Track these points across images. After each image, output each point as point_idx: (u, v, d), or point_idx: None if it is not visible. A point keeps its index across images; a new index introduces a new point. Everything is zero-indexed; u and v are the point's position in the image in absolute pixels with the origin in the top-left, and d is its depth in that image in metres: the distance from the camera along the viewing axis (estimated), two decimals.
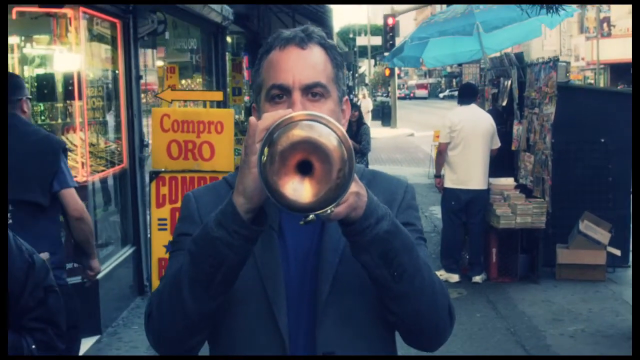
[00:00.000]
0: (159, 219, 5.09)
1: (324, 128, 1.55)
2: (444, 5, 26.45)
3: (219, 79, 13.33)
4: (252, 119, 1.68)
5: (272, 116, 1.62)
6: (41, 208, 4.27)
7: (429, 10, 57.35)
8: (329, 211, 1.58)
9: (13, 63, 6.70)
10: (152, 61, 9.88)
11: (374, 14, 73.56)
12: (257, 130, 1.60)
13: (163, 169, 5.16)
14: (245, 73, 16.99)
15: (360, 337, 1.88)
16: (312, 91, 1.83)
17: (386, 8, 37.17)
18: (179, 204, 5.10)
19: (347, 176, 1.55)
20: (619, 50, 43.85)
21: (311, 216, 1.59)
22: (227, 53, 14.32)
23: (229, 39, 14.74)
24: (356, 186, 1.63)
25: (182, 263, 1.75)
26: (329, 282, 1.85)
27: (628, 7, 48.16)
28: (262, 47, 1.94)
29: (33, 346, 2.72)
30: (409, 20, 77.52)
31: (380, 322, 1.88)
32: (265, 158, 1.54)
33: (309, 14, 15.95)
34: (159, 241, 5.11)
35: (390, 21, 29.90)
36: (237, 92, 15.49)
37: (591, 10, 51.93)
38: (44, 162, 4.27)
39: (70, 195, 4.34)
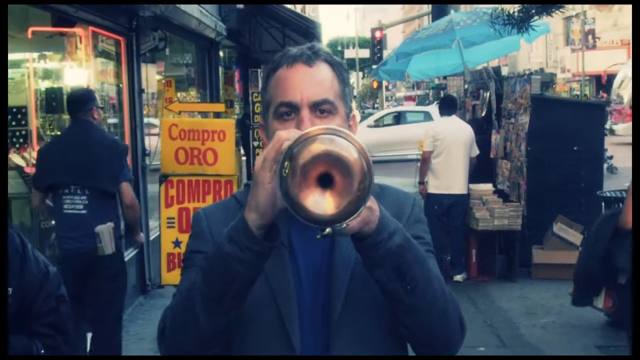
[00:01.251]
0: (168, 218, 5.68)
1: (343, 141, 1.57)
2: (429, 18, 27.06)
3: (213, 91, 13.80)
4: (270, 141, 1.70)
5: (285, 133, 1.66)
6: (110, 194, 5.52)
7: (416, 23, 58.01)
8: (344, 225, 1.60)
9: (29, 77, 7.28)
10: (151, 75, 10.44)
11: (362, 27, 74.32)
12: (271, 148, 1.63)
13: (171, 173, 5.75)
14: (237, 86, 17.51)
15: (374, 351, 1.89)
16: (320, 108, 1.86)
17: (374, 21, 37.75)
18: (185, 204, 5.71)
19: (367, 188, 1.57)
20: (604, 61, 44.69)
21: (328, 230, 1.61)
22: (220, 67, 14.86)
23: (221, 53, 15.27)
24: (369, 201, 1.64)
25: (194, 279, 1.77)
26: (342, 299, 1.86)
27: (613, 20, 49.07)
28: (269, 64, 1.97)
29: (42, 351, 2.90)
30: (396, 33, 78.22)
31: (392, 335, 1.89)
32: (286, 172, 1.55)
33: (298, 28, 16.42)
34: (168, 238, 5.69)
35: (377, 34, 30.42)
36: (229, 105, 15.98)
37: (576, 22, 52.77)
38: (113, 160, 5.52)
39: (127, 187, 5.57)
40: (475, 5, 11.41)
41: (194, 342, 1.79)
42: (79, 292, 5.31)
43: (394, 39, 48.67)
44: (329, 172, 1.55)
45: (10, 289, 2.78)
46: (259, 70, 19.38)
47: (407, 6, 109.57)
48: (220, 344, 1.83)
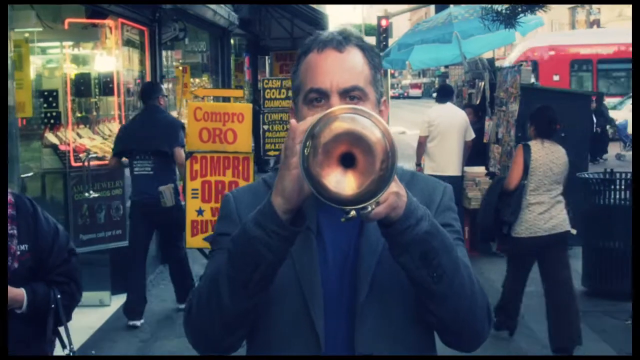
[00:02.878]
0: (192, 189, 6.47)
1: (366, 120, 1.55)
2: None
3: (224, 78, 14.58)
4: (293, 121, 1.68)
5: (312, 119, 1.63)
6: (168, 158, 7.17)
7: (423, 11, 58.51)
8: (369, 208, 1.57)
9: (60, 64, 8.06)
10: (170, 62, 11.22)
11: (369, 14, 74.62)
12: (297, 132, 1.61)
13: (196, 150, 6.53)
14: (246, 72, 18.22)
15: (399, 339, 1.87)
16: (350, 95, 1.84)
17: (380, 9, 38.27)
18: (208, 177, 6.49)
19: (390, 169, 1.54)
20: None
21: (352, 213, 1.58)
22: (231, 54, 15.61)
23: (231, 41, 16.01)
24: (396, 186, 1.63)
25: (220, 262, 1.77)
26: (368, 284, 1.83)
27: (618, 10, 49.58)
28: (300, 48, 1.94)
29: (59, 295, 3.28)
30: (403, 21, 78.77)
31: (418, 323, 1.86)
32: (308, 151, 1.53)
33: (307, 18, 17.12)
34: (192, 207, 6.48)
35: (383, 23, 31.03)
36: None
37: (581, 12, 53.26)
38: (170, 132, 7.24)
39: (179, 151, 7.11)
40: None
41: (219, 323, 1.80)
42: (145, 237, 7.42)
43: (401, 27, 49.24)
44: (351, 151, 1.53)
45: (26, 245, 3.17)
46: (266, 57, 20.17)
47: None
48: (245, 326, 1.84)
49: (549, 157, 6.52)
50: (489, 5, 7.66)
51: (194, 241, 6.58)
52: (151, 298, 7.93)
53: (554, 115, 6.80)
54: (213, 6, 10.99)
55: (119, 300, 7.50)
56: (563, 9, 50.29)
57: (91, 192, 7.61)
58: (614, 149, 21.09)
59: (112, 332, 6.95)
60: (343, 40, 1.87)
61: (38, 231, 3.25)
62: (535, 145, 6.58)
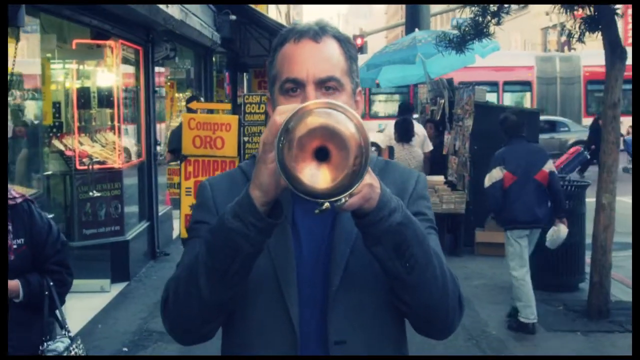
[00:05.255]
0: (186, 188, 7.59)
1: (340, 115, 1.56)
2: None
3: (207, 93, 15.49)
4: (275, 117, 1.63)
5: (287, 109, 1.61)
6: None
7: (399, 29, 59.67)
8: (343, 200, 1.58)
9: (65, 79, 9.11)
10: (160, 78, 12.27)
11: (345, 31, 75.60)
12: (276, 127, 1.58)
13: (189, 154, 7.64)
14: (227, 88, 19.20)
15: (371, 326, 1.89)
16: (326, 85, 1.83)
17: (357, 27, 39.28)
18: (199, 178, 7.57)
19: (363, 163, 1.55)
20: None
21: (326, 204, 1.59)
22: (213, 71, 16.64)
23: (213, 59, 17.02)
24: (370, 178, 1.63)
25: (198, 252, 1.77)
26: (340, 272, 1.85)
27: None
28: (276, 38, 1.93)
29: (51, 283, 3.62)
30: (379, 39, 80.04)
31: (390, 311, 1.89)
32: (282, 144, 1.54)
33: None
34: (186, 203, 7.60)
35: (359, 41, 32.11)
36: None
37: (552, 33, 54.75)
38: None
39: None
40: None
41: (196, 313, 1.80)
42: None
43: (377, 44, 50.43)
44: (325, 145, 1.54)
45: (22, 239, 3.51)
46: (244, 74, 21.16)
47: (390, 11, 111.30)
48: (222, 315, 1.86)
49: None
50: (442, 33, 8.81)
51: None
52: (146, 288, 8.96)
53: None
54: (198, 27, 12.04)
55: (118, 287, 8.58)
56: (536, 30, 51.81)
57: (94, 192, 8.66)
58: (622, 162, 21.94)
59: (114, 312, 7.98)
60: (320, 30, 1.88)
61: (33, 226, 3.57)
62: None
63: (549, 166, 7.59)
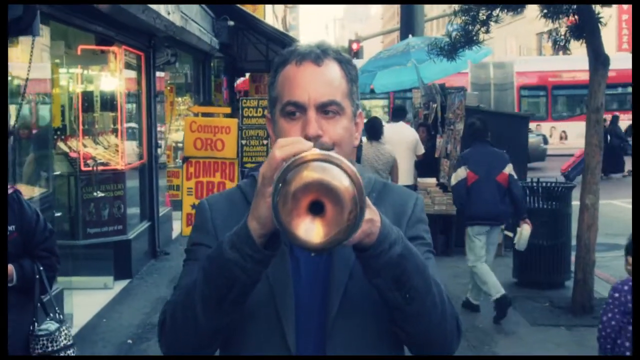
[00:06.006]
0: (188, 188, 7.92)
1: (335, 169, 1.57)
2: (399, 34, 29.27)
3: (205, 96, 15.88)
4: (275, 152, 1.63)
5: (287, 142, 1.64)
6: None
7: (395, 34, 60.12)
8: None
9: (69, 83, 9.44)
10: (161, 83, 12.59)
11: (342, 36, 76.27)
12: (276, 162, 1.60)
13: (191, 156, 7.98)
14: (224, 92, 19.49)
15: (370, 352, 1.88)
16: (327, 109, 1.84)
17: (353, 31, 39.69)
18: (200, 178, 7.91)
19: (358, 217, 1.56)
20: None
21: None
22: (211, 75, 16.97)
23: (211, 64, 17.34)
24: (370, 212, 1.62)
25: (195, 278, 1.77)
26: (339, 298, 1.84)
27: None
28: (277, 58, 1.94)
29: (41, 268, 3.90)
30: (376, 44, 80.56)
31: (389, 336, 1.88)
32: (278, 198, 1.55)
33: (280, 43, 18.39)
34: (187, 202, 7.94)
35: (354, 46, 32.47)
36: None
37: (547, 38, 55.14)
38: None
39: None
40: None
41: (193, 339, 1.81)
42: None
43: (373, 49, 50.84)
44: (320, 200, 1.55)
45: (13, 226, 3.75)
46: (241, 79, 21.48)
47: (386, 16, 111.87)
48: (218, 342, 1.86)
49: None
50: (434, 41, 9.15)
51: (189, 230, 7.97)
52: (147, 285, 9.29)
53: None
54: (198, 33, 12.37)
55: (121, 284, 8.92)
56: (531, 35, 52.20)
57: (98, 192, 8.98)
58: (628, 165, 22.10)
59: (118, 307, 8.31)
60: (321, 53, 1.88)
61: (23, 215, 3.85)
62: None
63: (509, 169, 8.13)
